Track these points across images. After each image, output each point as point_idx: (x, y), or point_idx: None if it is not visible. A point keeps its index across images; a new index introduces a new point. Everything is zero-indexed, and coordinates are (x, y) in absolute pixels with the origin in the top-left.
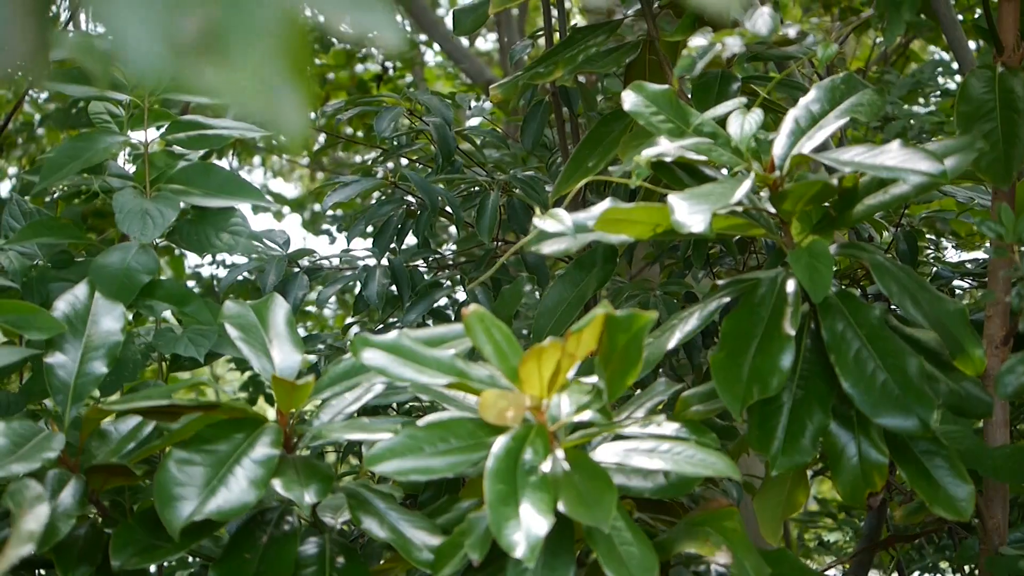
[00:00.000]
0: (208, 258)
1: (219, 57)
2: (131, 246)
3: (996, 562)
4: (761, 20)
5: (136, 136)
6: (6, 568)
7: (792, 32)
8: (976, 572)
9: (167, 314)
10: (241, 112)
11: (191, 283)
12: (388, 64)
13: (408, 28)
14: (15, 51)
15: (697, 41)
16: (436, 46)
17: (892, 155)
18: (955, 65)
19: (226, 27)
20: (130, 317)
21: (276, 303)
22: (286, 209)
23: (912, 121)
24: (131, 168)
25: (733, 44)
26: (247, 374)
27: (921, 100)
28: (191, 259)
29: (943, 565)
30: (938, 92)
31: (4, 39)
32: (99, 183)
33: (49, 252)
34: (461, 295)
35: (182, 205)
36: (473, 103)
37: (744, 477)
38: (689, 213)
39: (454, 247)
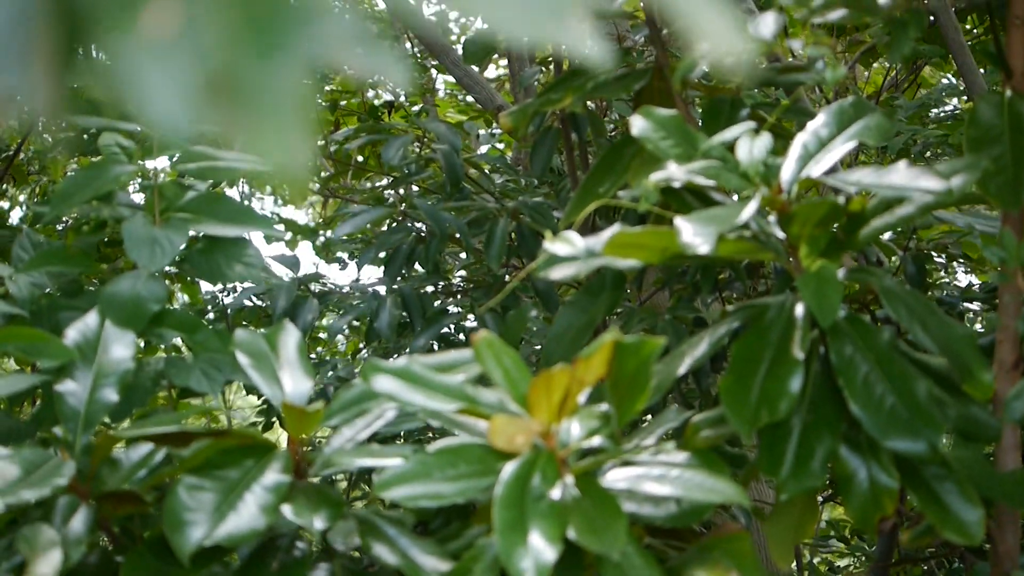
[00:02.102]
0: (219, 285)
1: (241, 118)
2: (140, 274)
3: None
4: (764, 25)
5: (145, 166)
6: None
7: (798, 46)
8: None
9: (177, 341)
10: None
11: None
12: (399, 91)
13: (418, 54)
14: (35, 99)
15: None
16: (448, 75)
17: (898, 174)
18: (962, 87)
19: (250, 91)
20: (141, 345)
21: (287, 331)
22: (298, 237)
23: (916, 139)
24: (140, 198)
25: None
26: (262, 400)
27: (929, 120)
28: (204, 285)
29: None
30: (943, 112)
31: (25, 87)
32: (108, 212)
33: (59, 281)
34: (470, 321)
35: (191, 233)
36: (482, 131)
37: (754, 503)
38: (695, 234)
39: (463, 273)
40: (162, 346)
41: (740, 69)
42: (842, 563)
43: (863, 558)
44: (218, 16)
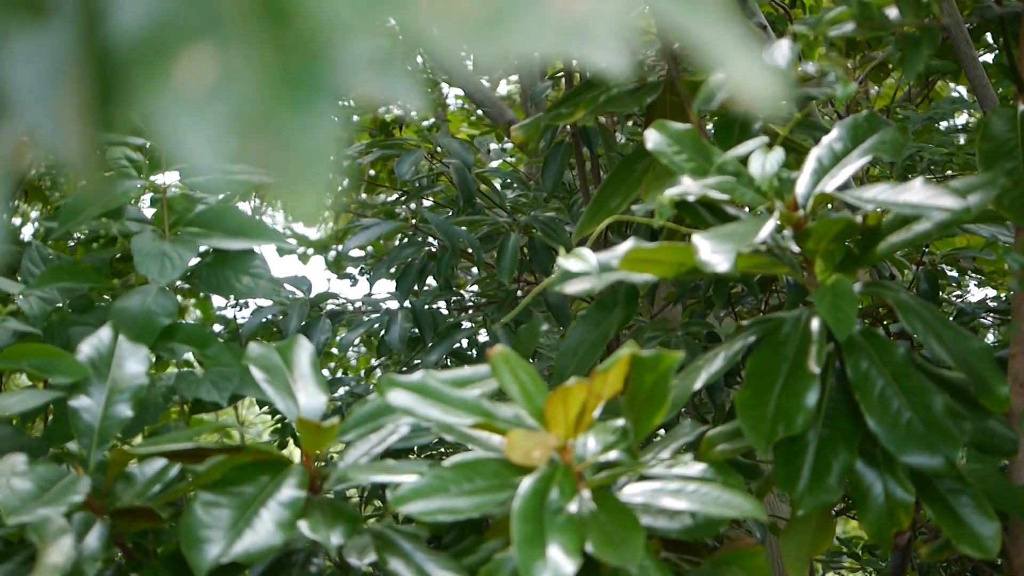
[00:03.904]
0: (232, 301)
1: (274, 167)
2: (150, 289)
3: None
4: (780, 53)
5: (155, 180)
6: None
7: (812, 69)
8: None
9: (189, 356)
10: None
11: (217, 326)
12: (411, 109)
13: (429, 70)
14: (67, 149)
15: (717, 76)
16: (459, 89)
17: (915, 192)
18: (968, 99)
19: (285, 141)
20: (152, 359)
21: (300, 345)
22: (310, 250)
23: (923, 155)
24: (151, 212)
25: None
26: (277, 417)
27: (937, 131)
28: (216, 301)
29: None
30: (956, 127)
31: (57, 137)
32: (118, 227)
33: (69, 297)
34: (482, 336)
35: (201, 247)
36: (493, 146)
37: (768, 517)
38: (713, 252)
39: (475, 288)
40: (173, 361)
41: (760, 101)
42: None
43: (875, 573)
44: (252, 65)
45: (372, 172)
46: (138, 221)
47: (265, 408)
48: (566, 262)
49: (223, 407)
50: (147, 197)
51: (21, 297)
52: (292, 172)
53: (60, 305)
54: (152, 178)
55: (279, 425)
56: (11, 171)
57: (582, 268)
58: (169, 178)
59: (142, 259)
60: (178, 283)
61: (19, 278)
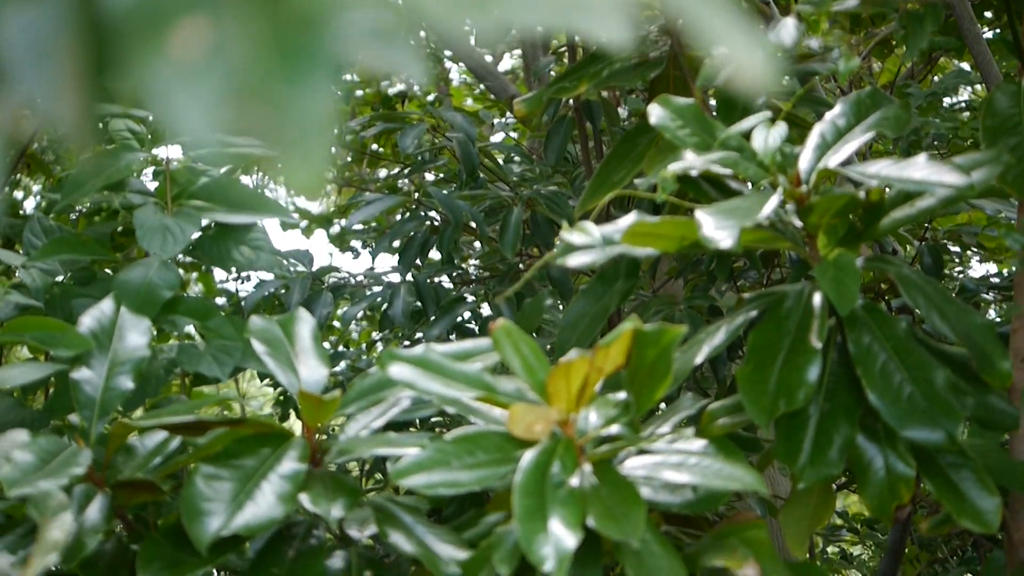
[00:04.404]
0: (234, 274)
1: (269, 137)
2: (153, 261)
3: (1022, 575)
4: (785, 32)
5: (158, 153)
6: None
7: (815, 44)
8: None
9: (190, 329)
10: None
11: (220, 299)
12: (414, 83)
13: (432, 44)
14: (61, 115)
15: (720, 52)
16: (462, 63)
17: (919, 168)
18: (972, 74)
19: (279, 111)
20: (153, 332)
21: (302, 318)
22: (313, 224)
23: (926, 130)
24: (153, 185)
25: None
26: (278, 390)
27: (941, 106)
28: (218, 275)
29: None
30: (957, 103)
31: (51, 104)
32: (120, 200)
33: (71, 269)
34: (484, 310)
35: (204, 221)
36: (496, 120)
37: (769, 492)
38: (717, 228)
39: (477, 262)
40: (174, 333)
41: (761, 80)
42: (855, 551)
43: (875, 547)
44: (246, 35)
45: (375, 146)
46: (141, 194)
47: (266, 381)
48: (569, 235)
49: (224, 381)
50: (150, 170)
51: (23, 269)
52: (288, 143)
53: (61, 278)
54: (154, 151)
55: (280, 398)
56: (10, 142)
57: (585, 241)
58: (172, 151)
59: (144, 233)
60: (180, 256)
61: (20, 250)
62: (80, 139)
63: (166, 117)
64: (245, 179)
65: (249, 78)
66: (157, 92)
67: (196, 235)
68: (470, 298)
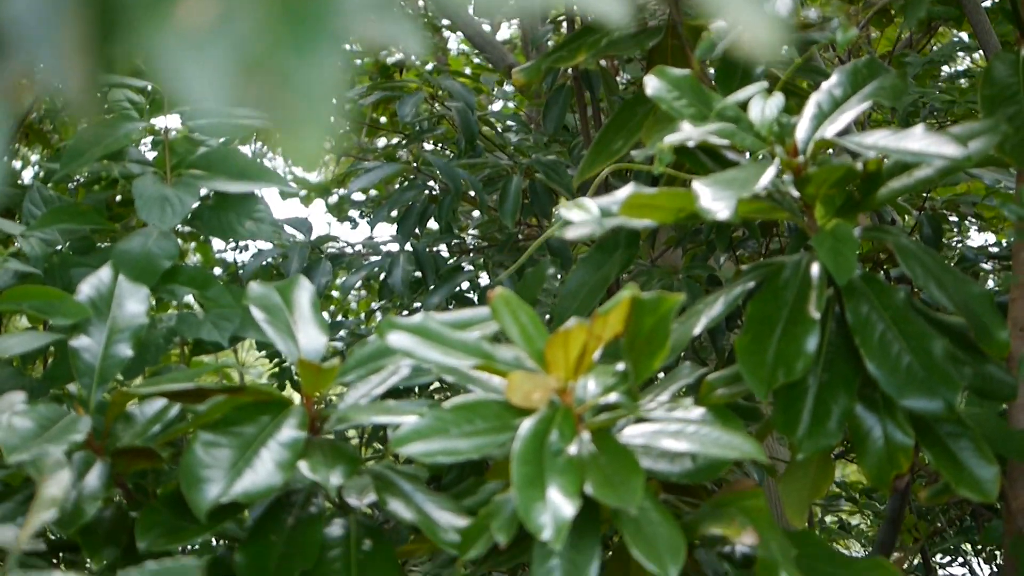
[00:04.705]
0: (232, 244)
1: (276, 107)
2: (152, 231)
3: (1020, 543)
4: (781, 1)
5: (157, 123)
6: (31, 532)
7: (813, 14)
8: (999, 554)
9: (189, 299)
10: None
11: (217, 270)
12: (412, 55)
13: (430, 12)
14: (66, 83)
15: (718, 24)
16: (460, 33)
17: (916, 139)
18: (970, 43)
19: (286, 81)
20: (153, 303)
21: (301, 285)
22: (312, 193)
23: (924, 100)
24: (152, 155)
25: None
26: (275, 361)
27: (940, 76)
28: (215, 244)
29: (965, 547)
30: (955, 70)
31: (56, 71)
32: (120, 169)
33: (70, 238)
34: (483, 279)
35: (203, 191)
36: (495, 89)
37: (768, 460)
38: (714, 199)
39: (475, 231)
40: (173, 303)
41: (761, 50)
42: (853, 521)
43: (873, 517)
44: (254, 5)
45: (374, 115)
46: (140, 163)
47: (264, 352)
48: (566, 213)
49: (224, 347)
50: (148, 140)
51: (22, 238)
52: (293, 114)
53: (60, 247)
54: (154, 120)
55: (277, 369)
56: (13, 111)
57: (583, 218)
58: (171, 121)
59: (144, 203)
60: (179, 226)
61: (19, 221)
62: (83, 109)
63: (173, 87)
64: (243, 149)
65: (256, 48)
66: (164, 62)
67: (195, 205)
68: (468, 267)
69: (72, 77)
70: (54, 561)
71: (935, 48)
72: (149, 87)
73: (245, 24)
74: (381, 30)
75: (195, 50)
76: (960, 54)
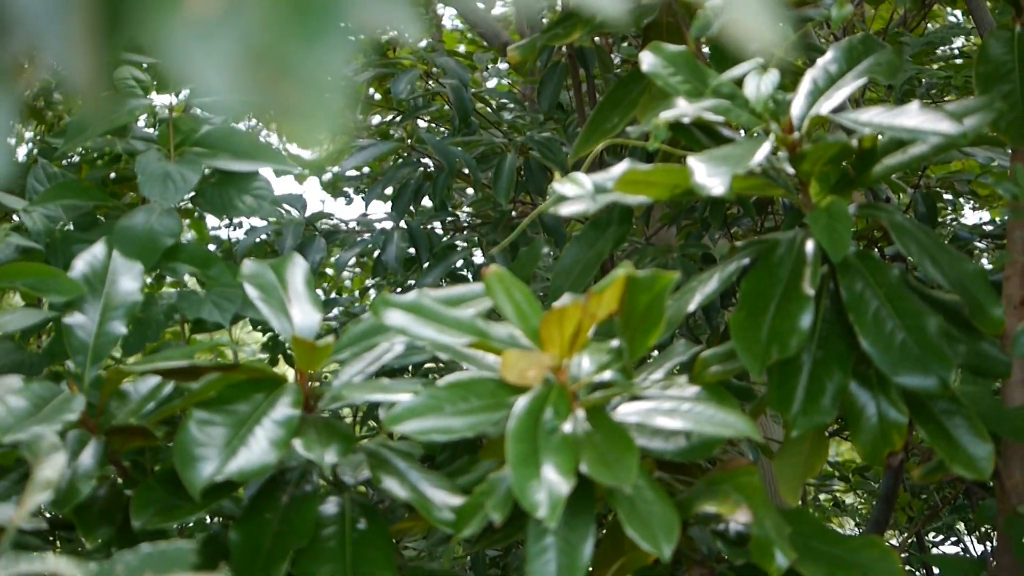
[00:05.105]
0: (225, 221)
1: (284, 96)
2: (154, 208)
3: (1014, 522)
4: None
5: (160, 100)
6: (26, 515)
7: None
8: (993, 533)
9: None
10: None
11: (211, 246)
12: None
13: None
14: (74, 71)
15: (714, 1)
16: (453, 9)
17: (911, 116)
18: (968, 26)
19: (294, 71)
20: (149, 280)
21: (295, 262)
22: (306, 171)
23: (922, 79)
24: (155, 132)
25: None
26: (267, 335)
27: (936, 57)
28: (210, 221)
29: (959, 527)
30: (950, 51)
31: (65, 59)
32: (123, 146)
33: (73, 214)
34: (478, 257)
35: (205, 169)
36: (489, 66)
37: (763, 439)
38: (709, 176)
39: (469, 209)
40: (168, 279)
41: (757, 28)
42: (847, 500)
43: (866, 495)
44: None
45: (371, 91)
46: (143, 140)
47: (258, 328)
48: (561, 187)
49: (225, 327)
50: (144, 117)
51: (24, 213)
52: (301, 101)
53: (62, 223)
54: (157, 98)
55: (269, 343)
56: (15, 90)
57: (577, 193)
58: (169, 98)
59: (147, 180)
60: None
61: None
62: (90, 92)
63: (180, 74)
64: (239, 126)
65: (264, 38)
66: (172, 51)
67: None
68: (462, 245)
69: (79, 64)
70: (49, 539)
71: (929, 27)
72: (147, 65)
73: (252, 14)
74: (382, 15)
75: (203, 39)
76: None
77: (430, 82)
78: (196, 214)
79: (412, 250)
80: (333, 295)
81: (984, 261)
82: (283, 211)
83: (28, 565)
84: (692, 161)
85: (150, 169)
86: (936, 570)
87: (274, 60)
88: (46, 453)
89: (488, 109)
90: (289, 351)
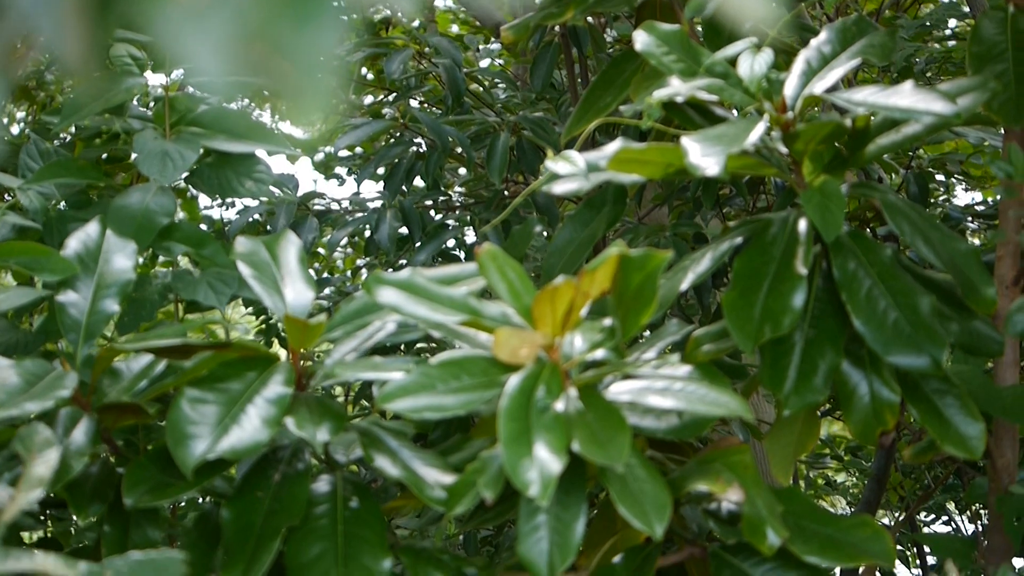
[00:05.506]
0: (218, 200)
1: (277, 77)
2: (150, 187)
3: (1006, 501)
4: None
5: (155, 79)
6: (17, 512)
7: None
8: (984, 512)
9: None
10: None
11: (202, 226)
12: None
13: None
14: (68, 52)
15: None
16: None
17: (905, 95)
18: (965, 9)
19: (286, 53)
20: (143, 260)
21: (288, 240)
22: (298, 151)
23: (917, 58)
24: (150, 111)
25: None
26: (261, 319)
27: (932, 42)
28: (202, 201)
29: (950, 506)
30: (946, 31)
31: (57, 39)
32: (120, 124)
33: (67, 193)
34: (470, 237)
35: (201, 149)
36: (482, 46)
37: (754, 418)
38: (703, 155)
39: (461, 189)
40: (162, 259)
41: (751, 10)
42: (839, 479)
43: (858, 474)
44: None
45: (363, 71)
46: (140, 119)
47: (250, 309)
48: (554, 165)
49: (220, 310)
50: (138, 96)
51: (20, 191)
52: (295, 81)
53: (55, 201)
54: (152, 77)
55: (263, 327)
56: (9, 72)
57: (570, 171)
58: (162, 78)
59: (144, 158)
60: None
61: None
62: (83, 72)
63: (174, 54)
64: (232, 106)
65: (256, 19)
66: (165, 31)
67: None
68: (453, 224)
69: (72, 44)
70: (41, 518)
71: (921, 8)
72: (139, 44)
73: None
74: None
75: (195, 20)
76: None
77: (423, 62)
78: (189, 194)
79: (404, 229)
80: (325, 275)
81: (976, 241)
82: (276, 191)
83: (16, 562)
84: (686, 141)
85: (148, 147)
86: (927, 549)
87: (267, 40)
88: (40, 449)
89: (481, 89)
90: (283, 334)
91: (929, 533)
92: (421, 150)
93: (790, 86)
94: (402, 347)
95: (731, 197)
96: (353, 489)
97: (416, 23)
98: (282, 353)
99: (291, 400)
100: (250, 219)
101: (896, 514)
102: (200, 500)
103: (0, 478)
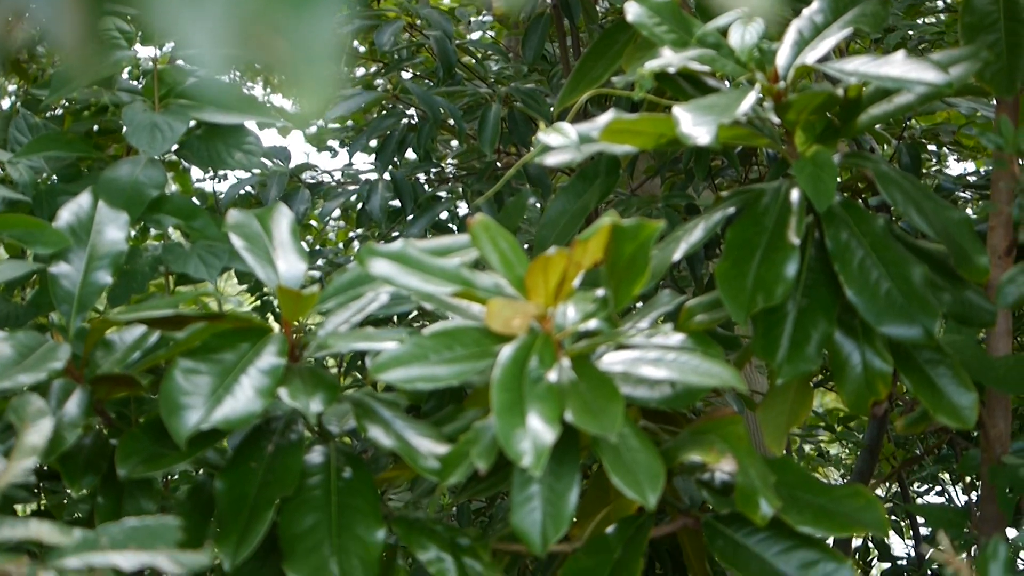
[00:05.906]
0: (210, 173)
1: (275, 59)
2: (140, 160)
3: (998, 471)
4: None
5: (144, 52)
6: (11, 480)
7: None
8: (978, 482)
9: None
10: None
11: (194, 199)
12: None
13: None
14: (60, 26)
15: None
16: None
17: (897, 65)
18: None
19: (285, 36)
20: (134, 232)
21: (280, 212)
22: (289, 123)
23: (911, 32)
24: (139, 84)
25: None
26: (256, 295)
27: (925, 12)
28: (194, 174)
29: (943, 476)
30: (940, 3)
31: (53, 19)
32: (109, 97)
33: (57, 166)
34: (462, 209)
35: (191, 121)
36: (473, 18)
37: (747, 389)
38: (695, 125)
39: (454, 161)
40: (153, 231)
41: None
42: (832, 450)
43: (851, 446)
44: None
45: (355, 43)
46: (129, 92)
47: (245, 286)
48: (546, 137)
49: (211, 283)
50: (128, 69)
51: (11, 165)
52: (295, 66)
53: (46, 175)
54: (141, 50)
55: (259, 304)
56: (3, 44)
57: (562, 142)
58: (159, 50)
59: (133, 130)
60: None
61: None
62: (76, 50)
63: (171, 37)
64: (223, 79)
65: (254, 3)
66: (162, 14)
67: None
68: (446, 196)
69: (65, 19)
70: (35, 490)
71: None
72: (130, 17)
73: None
74: None
75: (193, 5)
76: None
77: (414, 34)
78: (181, 167)
79: (396, 201)
80: (318, 247)
81: (968, 212)
82: (267, 163)
83: (11, 530)
84: (678, 111)
85: (137, 119)
86: (920, 520)
87: (265, 25)
88: (33, 418)
89: (473, 61)
90: (277, 309)
91: (922, 504)
92: (413, 122)
93: (782, 56)
94: (395, 318)
95: (723, 168)
96: (346, 460)
97: None
98: (275, 325)
99: (284, 371)
100: (242, 191)
101: (888, 484)
102: (193, 473)
103: None
